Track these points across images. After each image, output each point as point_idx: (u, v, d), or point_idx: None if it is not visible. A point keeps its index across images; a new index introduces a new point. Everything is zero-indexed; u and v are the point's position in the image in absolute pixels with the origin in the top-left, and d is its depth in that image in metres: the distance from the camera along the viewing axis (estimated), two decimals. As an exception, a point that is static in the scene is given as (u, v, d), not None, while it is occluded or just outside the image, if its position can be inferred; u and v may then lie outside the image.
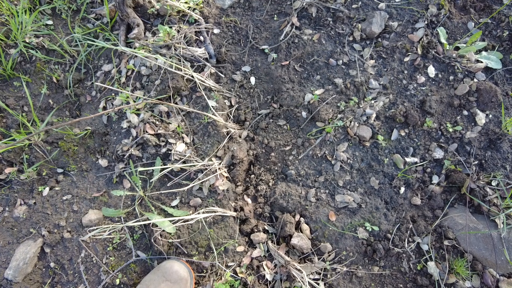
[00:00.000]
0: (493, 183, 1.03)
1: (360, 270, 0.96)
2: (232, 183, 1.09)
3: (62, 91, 1.26)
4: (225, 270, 0.97)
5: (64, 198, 1.14)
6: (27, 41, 1.26)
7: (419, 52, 1.16)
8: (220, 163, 1.09)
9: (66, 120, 1.21)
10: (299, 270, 0.93)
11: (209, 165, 1.07)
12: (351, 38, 1.18)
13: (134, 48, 1.15)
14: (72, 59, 1.27)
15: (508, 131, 1.08)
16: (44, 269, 1.10)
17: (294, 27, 1.19)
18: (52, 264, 1.09)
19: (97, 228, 1.00)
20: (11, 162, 1.17)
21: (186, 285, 0.95)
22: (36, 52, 1.25)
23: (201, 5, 1.24)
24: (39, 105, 1.24)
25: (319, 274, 0.95)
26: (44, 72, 1.26)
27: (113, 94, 1.19)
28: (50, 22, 1.31)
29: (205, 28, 1.21)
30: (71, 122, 0.75)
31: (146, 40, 1.16)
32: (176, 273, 0.94)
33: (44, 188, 1.16)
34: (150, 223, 1.04)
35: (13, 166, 1.18)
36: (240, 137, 1.13)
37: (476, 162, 1.05)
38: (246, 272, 0.97)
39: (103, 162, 1.14)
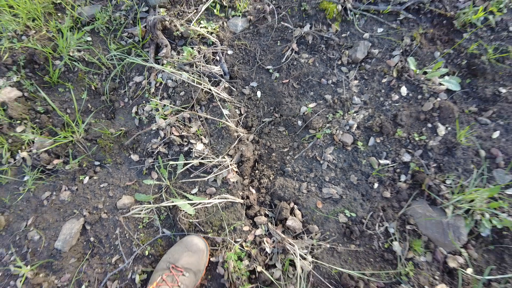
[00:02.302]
0: (447, 182, 1.34)
1: (340, 247, 1.27)
2: (240, 177, 1.40)
3: (99, 97, 1.56)
4: (234, 244, 1.27)
5: (101, 185, 1.44)
6: (71, 54, 1.56)
7: (395, 75, 1.48)
8: (231, 160, 1.39)
9: (102, 121, 1.51)
10: (292, 244, 1.23)
11: (222, 162, 1.38)
12: (339, 62, 1.49)
13: (162, 65, 1.46)
14: (108, 70, 1.57)
15: (461, 141, 1.39)
16: (85, 242, 1.38)
17: (294, 51, 1.50)
18: (92, 239, 1.38)
19: (136, 208, 1.30)
20: (58, 155, 1.47)
21: (203, 255, 1.25)
22: (78, 63, 1.56)
23: (218, 30, 1.55)
24: (79, 108, 1.53)
25: (308, 248, 1.25)
26: (84, 80, 1.56)
27: (144, 101, 1.49)
28: (89, 38, 1.61)
29: (221, 49, 1.52)
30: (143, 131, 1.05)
31: (172, 58, 1.46)
32: (195, 245, 1.24)
33: (84, 177, 1.45)
34: (174, 206, 1.34)
35: (59, 158, 1.47)
36: (247, 139, 1.44)
37: (435, 165, 1.37)
38: (250, 246, 1.27)
39: (134, 157, 1.44)
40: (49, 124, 1.50)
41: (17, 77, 1.54)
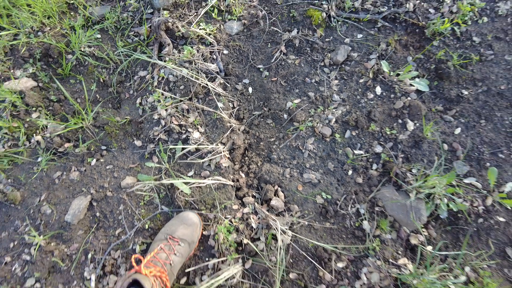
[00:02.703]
0: (413, 171, 1.53)
1: (316, 224, 1.45)
2: (231, 162, 1.58)
3: (107, 89, 1.74)
4: (224, 220, 1.45)
5: (107, 167, 1.61)
6: (82, 49, 1.73)
7: (371, 76, 1.67)
8: (224, 148, 1.57)
9: (109, 110, 1.69)
10: (274, 220, 1.42)
11: (216, 149, 1.56)
12: (322, 64, 1.68)
13: (165, 61, 1.64)
14: (115, 65, 1.75)
15: (427, 135, 1.59)
16: (91, 217, 1.56)
17: (282, 53, 1.69)
18: (97, 214, 1.55)
19: (139, 183, 1.48)
20: (69, 139, 1.64)
21: (196, 228, 1.43)
22: (88, 58, 1.73)
23: (215, 32, 1.73)
24: (89, 98, 1.71)
25: (288, 224, 1.44)
26: (93, 73, 1.73)
27: (147, 94, 1.67)
28: (99, 36, 1.79)
29: (217, 49, 1.70)
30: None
31: (174, 56, 1.65)
32: (190, 219, 1.42)
33: (92, 160, 1.63)
34: (172, 185, 1.51)
35: (70, 142, 1.64)
36: (239, 130, 1.63)
37: (403, 156, 1.56)
38: (238, 222, 1.45)
39: (138, 143, 1.62)
40: (61, 112, 1.67)
41: (33, 69, 1.71)
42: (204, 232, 1.46)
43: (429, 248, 1.44)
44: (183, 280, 1.39)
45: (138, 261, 1.38)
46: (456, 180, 1.51)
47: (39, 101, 1.65)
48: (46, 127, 1.63)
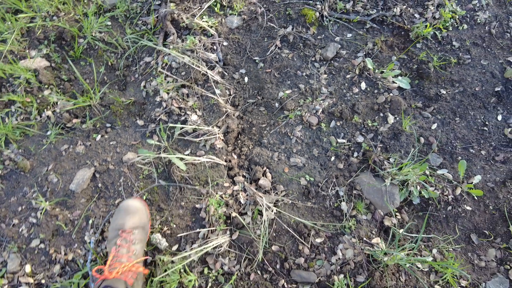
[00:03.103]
0: (390, 160, 1.67)
1: (299, 203, 1.59)
2: (225, 144, 1.72)
3: (114, 72, 1.88)
4: (215, 195, 1.59)
5: (111, 143, 1.75)
6: (93, 35, 1.88)
7: (357, 72, 1.81)
8: (219, 130, 1.71)
9: (115, 92, 1.83)
10: (261, 197, 1.56)
11: (211, 131, 1.70)
12: (313, 59, 1.83)
13: (169, 49, 1.78)
14: (123, 50, 1.89)
15: (405, 128, 1.73)
16: (94, 187, 1.69)
17: (277, 47, 1.84)
18: (99, 185, 1.69)
19: (140, 156, 1.62)
20: (77, 115, 1.78)
21: (143, 211, 1.44)
22: (99, 43, 1.88)
23: (216, 24, 1.88)
24: (97, 79, 1.85)
25: (273, 202, 1.58)
26: (103, 57, 1.88)
27: (151, 78, 1.81)
28: (109, 23, 1.94)
29: (218, 40, 1.85)
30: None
31: (177, 44, 1.79)
32: (133, 206, 1.42)
33: (97, 136, 1.76)
34: (170, 162, 1.65)
35: (78, 118, 1.78)
36: (234, 115, 1.77)
37: (382, 146, 1.70)
38: (228, 197, 1.59)
39: (140, 122, 1.76)
40: (71, 90, 1.81)
41: (47, 50, 1.85)
42: (196, 206, 1.60)
43: (401, 231, 1.58)
44: (174, 247, 1.52)
45: (101, 272, 1.36)
46: (430, 171, 1.66)
47: (51, 79, 1.79)
48: (56, 103, 1.77)
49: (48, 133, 1.76)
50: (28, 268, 1.55)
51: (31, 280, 1.52)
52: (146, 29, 1.89)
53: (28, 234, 1.60)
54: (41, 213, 1.61)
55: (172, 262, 1.47)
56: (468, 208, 1.59)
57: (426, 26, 1.80)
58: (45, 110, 1.76)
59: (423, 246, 1.56)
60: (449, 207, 1.60)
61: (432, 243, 1.57)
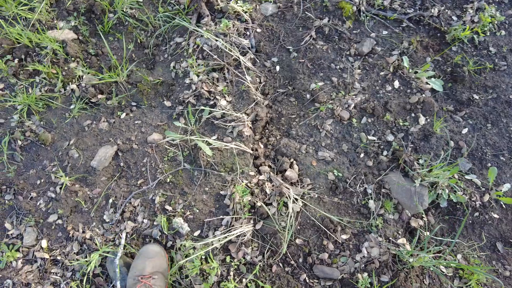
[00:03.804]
0: (420, 161, 1.64)
1: (326, 198, 1.55)
2: (253, 132, 1.68)
3: (143, 50, 1.83)
4: (241, 183, 1.54)
5: (136, 122, 1.70)
6: (124, 10, 1.82)
7: (391, 70, 1.78)
8: (247, 118, 1.67)
9: (142, 70, 1.78)
10: (288, 188, 1.52)
11: (240, 118, 1.65)
12: (348, 53, 1.79)
13: (203, 30, 1.74)
14: (154, 28, 1.84)
15: (436, 131, 1.70)
16: (115, 166, 1.64)
17: (312, 38, 1.79)
18: (122, 164, 1.64)
19: (168, 138, 1.57)
20: (102, 91, 1.72)
21: (161, 256, 1.40)
22: (129, 19, 1.82)
23: (251, 10, 1.83)
24: (125, 56, 1.80)
25: (299, 194, 1.54)
26: (132, 34, 1.82)
27: (181, 59, 1.76)
28: (141, 0, 1.89)
29: (251, 26, 1.80)
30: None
31: (210, 27, 1.74)
32: (152, 251, 1.39)
33: (121, 113, 1.71)
34: (196, 146, 1.60)
35: (103, 94, 1.72)
36: (263, 104, 1.72)
37: (412, 146, 1.67)
38: (254, 186, 1.55)
39: (167, 103, 1.71)
40: (97, 65, 1.76)
41: (75, 22, 1.80)
42: (221, 192, 1.55)
43: (427, 233, 1.55)
44: (196, 233, 1.48)
45: None
46: (458, 175, 1.63)
47: (78, 52, 1.74)
48: (82, 77, 1.72)
49: (72, 106, 1.71)
50: (44, 243, 1.50)
51: (46, 256, 1.47)
52: (179, 9, 1.84)
53: (46, 209, 1.55)
54: (60, 188, 1.56)
55: (194, 248, 1.43)
56: (496, 215, 1.56)
57: (464, 29, 1.77)
58: (70, 83, 1.71)
59: (447, 251, 1.53)
60: (476, 213, 1.57)
61: (457, 248, 1.54)
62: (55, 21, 1.78)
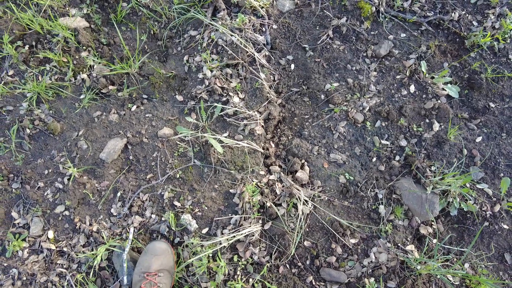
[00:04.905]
0: (432, 168, 1.61)
1: (336, 201, 1.53)
2: (264, 131, 1.65)
3: (156, 42, 1.78)
4: (251, 182, 1.52)
5: (146, 115, 1.67)
6: (138, 0, 1.78)
7: (407, 74, 1.74)
8: (260, 116, 1.64)
9: (155, 63, 1.74)
10: (298, 190, 1.49)
11: (252, 116, 1.62)
12: (365, 54, 1.75)
13: (219, 24, 1.69)
14: (168, 20, 1.79)
15: (450, 138, 1.67)
16: (124, 159, 1.62)
17: (329, 37, 1.75)
18: (131, 157, 1.61)
19: (181, 134, 1.54)
20: (113, 82, 1.68)
21: (168, 253, 1.38)
22: (143, 9, 1.77)
23: (268, 6, 1.78)
24: (138, 47, 1.76)
25: (310, 196, 1.52)
26: (145, 24, 1.77)
27: (195, 53, 1.72)
28: (155, -10, 1.83)
29: (267, 22, 1.76)
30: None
31: (226, 21, 1.70)
32: (159, 248, 1.36)
33: (132, 106, 1.68)
34: (207, 142, 1.57)
35: (114, 85, 1.68)
36: (276, 102, 1.69)
37: (425, 152, 1.64)
38: (264, 186, 1.53)
39: (179, 98, 1.67)
40: (109, 55, 1.72)
41: (88, 10, 1.75)
42: (230, 190, 1.53)
43: (435, 241, 1.53)
44: (204, 230, 1.46)
45: None
46: (470, 184, 1.60)
47: (90, 41, 1.69)
48: (93, 67, 1.68)
49: (82, 96, 1.67)
50: (51, 234, 1.48)
51: (53, 247, 1.46)
52: (194, 1, 1.79)
53: (53, 199, 1.53)
54: (68, 179, 1.53)
55: (202, 246, 1.42)
56: (505, 226, 1.54)
57: (484, 35, 1.73)
58: (80, 72, 1.67)
59: (455, 259, 1.51)
60: (486, 223, 1.55)
61: (465, 257, 1.53)
62: (67, 8, 1.73)
